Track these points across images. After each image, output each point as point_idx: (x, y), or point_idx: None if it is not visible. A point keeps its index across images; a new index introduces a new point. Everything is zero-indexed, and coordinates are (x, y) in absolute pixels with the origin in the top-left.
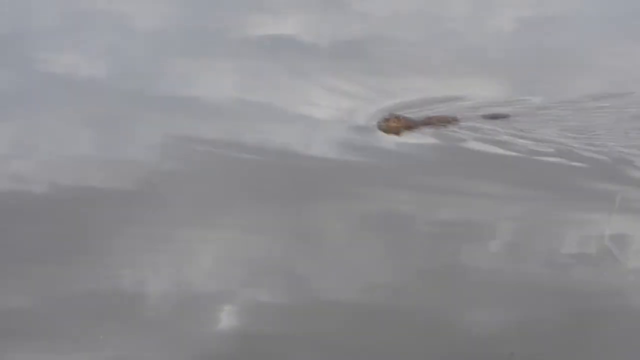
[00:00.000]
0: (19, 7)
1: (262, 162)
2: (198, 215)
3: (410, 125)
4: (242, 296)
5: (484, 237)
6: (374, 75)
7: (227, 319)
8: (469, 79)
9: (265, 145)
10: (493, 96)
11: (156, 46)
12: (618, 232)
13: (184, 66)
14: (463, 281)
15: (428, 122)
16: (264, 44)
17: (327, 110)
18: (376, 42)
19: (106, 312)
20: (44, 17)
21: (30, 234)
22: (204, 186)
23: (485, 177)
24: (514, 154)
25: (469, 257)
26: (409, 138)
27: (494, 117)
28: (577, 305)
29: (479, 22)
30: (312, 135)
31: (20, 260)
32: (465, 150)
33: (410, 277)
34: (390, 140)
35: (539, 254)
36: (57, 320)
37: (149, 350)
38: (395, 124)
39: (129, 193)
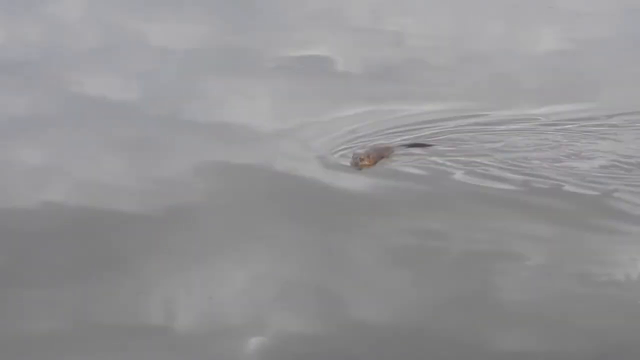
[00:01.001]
0: (53, 30)
1: (294, 188)
2: (229, 240)
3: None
4: (272, 321)
5: (514, 265)
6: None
7: (257, 343)
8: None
9: (297, 171)
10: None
11: (188, 69)
12: None
13: (216, 89)
14: (493, 308)
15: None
16: (296, 67)
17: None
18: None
19: (135, 336)
20: (78, 39)
21: (60, 256)
22: (235, 211)
23: (505, 206)
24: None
25: (499, 286)
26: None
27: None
28: (608, 337)
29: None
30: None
31: (50, 284)
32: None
33: (441, 302)
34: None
35: (570, 283)
36: (86, 345)
37: None
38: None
39: (160, 217)
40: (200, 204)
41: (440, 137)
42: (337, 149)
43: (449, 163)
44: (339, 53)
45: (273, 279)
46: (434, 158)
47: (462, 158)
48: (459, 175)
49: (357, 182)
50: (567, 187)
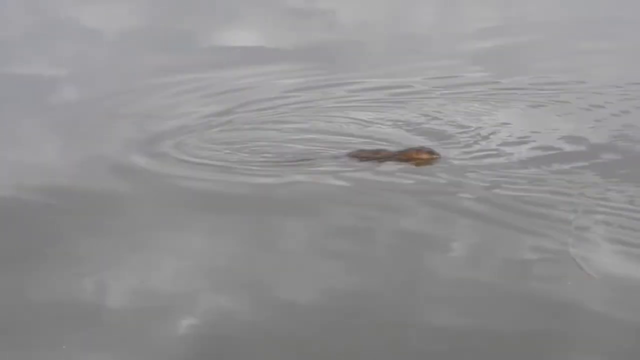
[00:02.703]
0: None
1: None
2: (160, 225)
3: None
4: (206, 302)
5: (446, 247)
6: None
7: (191, 325)
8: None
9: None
10: None
11: (121, 55)
12: (582, 241)
13: (148, 73)
14: (425, 287)
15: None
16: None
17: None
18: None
19: (68, 320)
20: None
21: None
22: (167, 196)
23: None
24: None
25: (431, 265)
26: None
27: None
28: (537, 313)
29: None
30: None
31: None
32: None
33: (370, 285)
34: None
35: (501, 263)
36: (19, 329)
37: (113, 358)
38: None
39: (93, 200)
40: (131, 188)
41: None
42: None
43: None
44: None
45: (204, 262)
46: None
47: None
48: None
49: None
50: (496, 177)
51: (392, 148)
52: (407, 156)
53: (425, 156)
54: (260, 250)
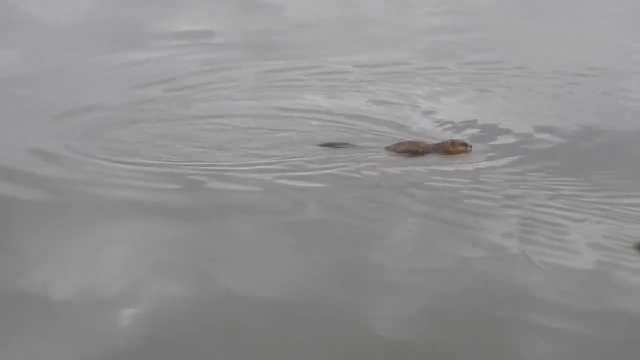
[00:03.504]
0: None
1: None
2: (104, 216)
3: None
4: (151, 294)
5: (392, 239)
6: None
7: (137, 316)
8: None
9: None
10: None
11: (66, 43)
12: (530, 232)
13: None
14: (369, 280)
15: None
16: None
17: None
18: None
19: (12, 308)
20: None
21: None
22: (111, 188)
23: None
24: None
25: (376, 258)
26: None
27: None
28: (483, 304)
29: None
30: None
31: None
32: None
33: (317, 276)
34: None
35: (448, 255)
36: None
37: (57, 350)
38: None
39: (34, 194)
40: (78, 179)
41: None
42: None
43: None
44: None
45: (149, 253)
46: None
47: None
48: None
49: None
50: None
51: (430, 141)
52: (444, 148)
53: (461, 148)
54: (204, 243)
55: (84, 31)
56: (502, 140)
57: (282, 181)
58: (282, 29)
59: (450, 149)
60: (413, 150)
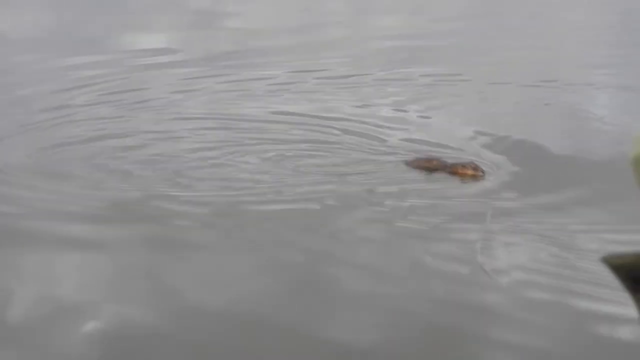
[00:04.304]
0: None
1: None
2: (56, 227)
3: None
4: (105, 308)
5: (349, 256)
6: None
7: (95, 329)
8: None
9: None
10: None
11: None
12: (490, 247)
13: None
14: (327, 298)
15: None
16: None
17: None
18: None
19: None
20: None
21: None
22: (61, 195)
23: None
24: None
25: (334, 276)
26: None
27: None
28: (442, 321)
29: None
30: None
31: None
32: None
33: (277, 293)
34: None
35: (407, 271)
36: None
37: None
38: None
39: None
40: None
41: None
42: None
43: None
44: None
45: (107, 268)
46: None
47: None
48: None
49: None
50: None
51: (446, 158)
52: (454, 170)
53: (469, 172)
54: (164, 259)
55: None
56: (465, 152)
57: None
58: (238, 39)
59: (459, 171)
60: (426, 166)
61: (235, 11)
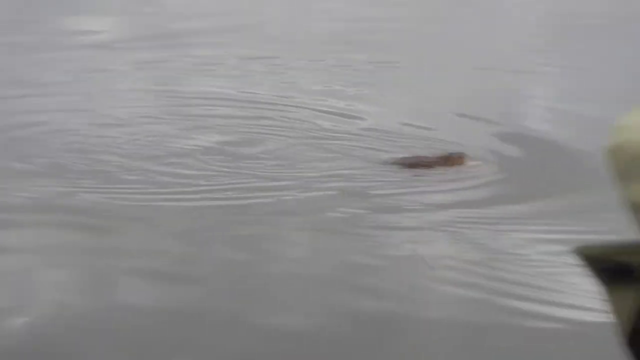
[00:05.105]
0: None
1: None
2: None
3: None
4: (37, 301)
5: (280, 244)
6: None
7: (25, 322)
8: None
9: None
10: None
11: None
12: (429, 239)
13: None
14: (258, 285)
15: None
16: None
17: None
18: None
19: None
20: None
21: None
22: None
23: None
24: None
25: (264, 264)
26: None
27: None
28: (375, 310)
29: None
30: None
31: None
32: None
33: (210, 286)
34: None
35: (342, 259)
36: None
37: None
38: None
39: None
40: None
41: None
42: None
43: None
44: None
45: (39, 261)
46: None
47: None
48: None
49: None
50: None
51: (426, 153)
52: (451, 161)
53: (459, 161)
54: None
55: None
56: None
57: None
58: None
59: (457, 161)
60: (415, 163)
61: None
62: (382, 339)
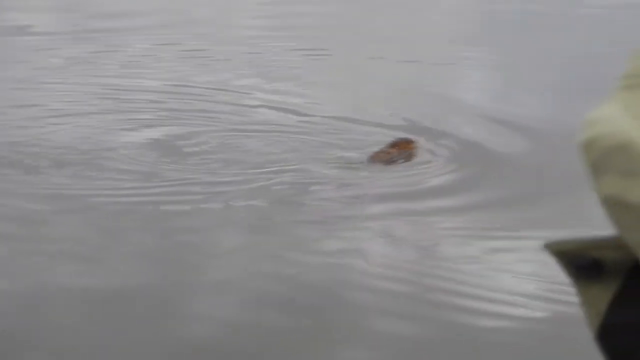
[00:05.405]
0: None
1: None
2: None
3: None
4: None
5: (210, 236)
6: None
7: None
8: None
9: None
10: None
11: None
12: (367, 233)
13: None
14: (192, 282)
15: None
16: None
17: None
18: None
19: None
20: None
21: None
22: None
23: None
24: None
25: (197, 256)
26: None
27: None
28: (307, 303)
29: None
30: None
31: None
32: None
33: (141, 272)
34: None
35: (275, 253)
36: None
37: None
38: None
39: None
40: None
41: None
42: None
43: None
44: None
45: None
46: None
47: None
48: None
49: None
50: None
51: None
52: (400, 146)
53: (411, 145)
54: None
55: None
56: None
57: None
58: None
59: (412, 146)
60: (387, 159)
61: None
62: (315, 329)
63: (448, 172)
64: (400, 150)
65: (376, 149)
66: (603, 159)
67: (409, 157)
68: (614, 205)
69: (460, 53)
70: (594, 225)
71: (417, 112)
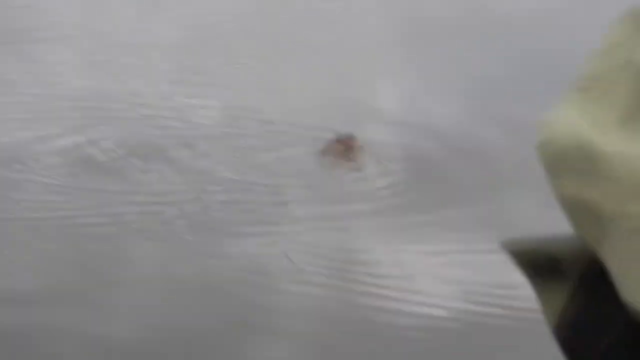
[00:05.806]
0: None
1: None
2: None
3: None
4: None
5: (130, 248)
6: None
7: None
8: None
9: None
10: None
11: None
12: (295, 240)
13: None
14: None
15: None
16: None
17: None
18: None
19: None
20: None
21: None
22: None
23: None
24: None
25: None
26: None
27: None
28: (238, 302)
29: None
30: None
31: None
32: None
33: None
34: None
35: (208, 258)
36: None
37: None
38: None
39: None
40: None
41: None
42: None
43: None
44: None
45: None
46: None
47: None
48: None
49: None
50: None
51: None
52: (342, 144)
53: (352, 143)
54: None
55: None
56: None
57: None
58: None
59: (352, 143)
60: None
61: None
62: (233, 329)
63: (372, 177)
64: (346, 146)
65: (319, 147)
66: (560, 159)
67: (352, 152)
68: (572, 206)
69: (380, 61)
70: (518, 227)
71: (338, 120)
